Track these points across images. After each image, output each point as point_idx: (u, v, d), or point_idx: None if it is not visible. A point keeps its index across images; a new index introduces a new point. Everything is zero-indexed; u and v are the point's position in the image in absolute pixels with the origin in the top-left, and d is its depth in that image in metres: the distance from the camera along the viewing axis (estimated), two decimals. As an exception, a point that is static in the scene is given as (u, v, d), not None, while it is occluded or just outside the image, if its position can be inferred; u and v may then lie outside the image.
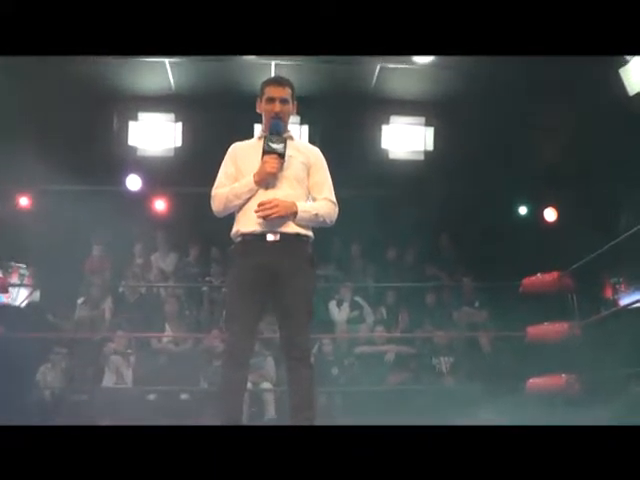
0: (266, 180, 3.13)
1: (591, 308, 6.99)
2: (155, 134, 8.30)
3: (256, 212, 3.07)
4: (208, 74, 7.62)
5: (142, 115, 8.27)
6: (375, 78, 7.68)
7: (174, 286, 7.93)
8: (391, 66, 7.45)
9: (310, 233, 3.19)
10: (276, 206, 3.05)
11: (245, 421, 5.01)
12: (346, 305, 7.81)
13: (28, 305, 7.82)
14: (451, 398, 6.22)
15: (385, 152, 8.48)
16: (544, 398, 5.45)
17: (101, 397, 6.42)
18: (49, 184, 7.52)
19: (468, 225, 8.28)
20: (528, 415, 5.02)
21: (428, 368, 7.11)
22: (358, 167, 7.36)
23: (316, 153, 3.33)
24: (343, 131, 8.00)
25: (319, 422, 3.04)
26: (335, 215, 3.26)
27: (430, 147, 8.44)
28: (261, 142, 3.19)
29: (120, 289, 7.96)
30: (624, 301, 7.79)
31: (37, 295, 8.05)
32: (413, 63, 7.29)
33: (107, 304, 7.64)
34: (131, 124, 8.25)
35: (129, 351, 6.95)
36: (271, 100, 3.22)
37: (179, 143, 8.30)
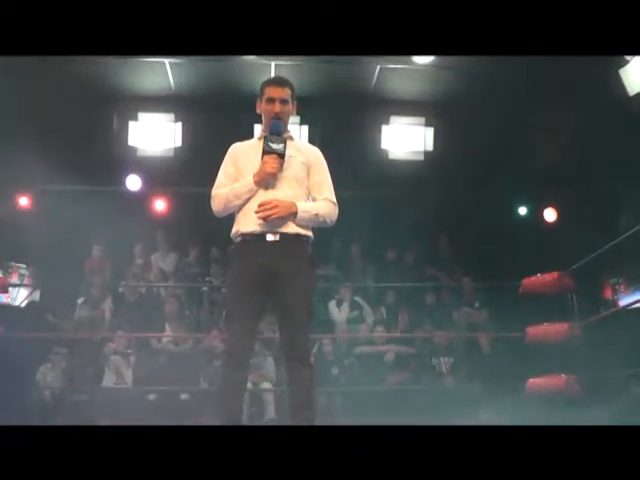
0: (266, 180, 3.13)
1: (591, 308, 7.00)
2: (155, 134, 8.30)
3: (256, 213, 3.07)
4: (208, 74, 7.62)
5: (142, 115, 8.27)
6: (375, 78, 7.68)
7: (174, 286, 7.93)
8: (391, 66, 7.45)
9: (310, 233, 3.19)
10: (276, 207, 3.05)
11: (245, 421, 5.01)
12: (346, 305, 7.81)
13: (28, 305, 7.81)
14: (451, 398, 6.22)
15: (385, 152, 8.48)
16: (544, 398, 5.45)
17: (101, 397, 6.43)
18: (49, 184, 7.53)
19: (468, 225, 8.29)
20: (528, 415, 5.02)
21: (428, 368, 7.12)
22: (358, 167, 7.37)
23: (316, 153, 3.33)
24: (343, 131, 8.00)
25: (319, 422, 3.04)
26: (335, 215, 3.25)
27: (430, 147, 8.44)
28: (261, 142, 3.19)
29: (120, 289, 7.96)
30: (624, 301, 7.79)
31: (37, 295, 8.04)
32: (413, 63, 7.29)
33: (107, 304, 7.64)
34: (131, 124, 8.25)
35: (129, 351, 6.95)
36: (271, 100, 3.22)
37: (179, 143, 8.29)
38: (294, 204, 3.10)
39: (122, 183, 8.19)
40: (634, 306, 5.73)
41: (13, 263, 8.23)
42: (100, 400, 6.31)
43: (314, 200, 3.24)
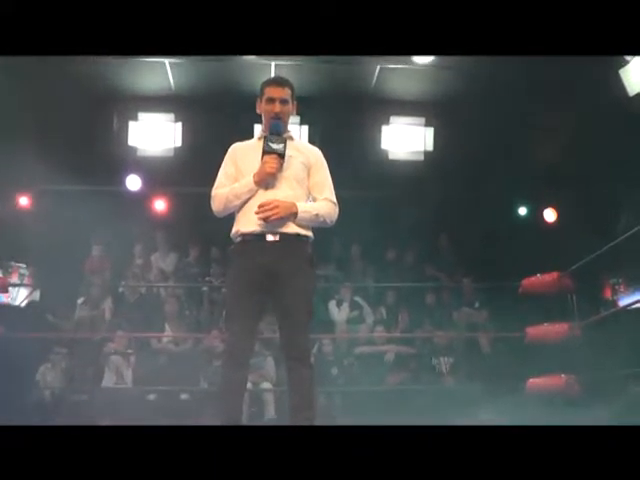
0: (266, 180, 3.13)
1: (591, 309, 7.01)
2: (155, 134, 8.30)
3: (256, 214, 3.07)
4: (208, 74, 7.62)
5: (142, 115, 8.27)
6: (375, 78, 7.68)
7: (174, 286, 7.93)
8: (391, 66, 7.45)
9: (310, 233, 3.19)
10: (276, 207, 3.05)
11: (245, 421, 5.01)
12: (346, 305, 7.82)
13: (28, 305, 7.81)
14: (451, 398, 6.23)
15: (385, 152, 8.48)
16: (544, 398, 5.45)
17: (101, 397, 6.43)
18: (49, 184, 7.52)
19: (468, 225, 8.29)
20: (528, 415, 5.02)
21: (428, 368, 7.12)
22: (358, 167, 7.37)
23: (316, 153, 3.33)
24: (343, 131, 7.99)
25: (319, 422, 3.04)
26: (335, 215, 3.25)
27: (430, 147, 8.44)
28: (261, 142, 3.19)
29: (120, 289, 7.97)
30: (623, 302, 7.79)
31: (37, 295, 8.04)
32: (413, 63, 7.29)
33: (107, 304, 7.65)
34: (131, 124, 8.25)
35: (129, 351, 6.95)
36: (271, 100, 3.22)
37: (179, 143, 8.29)
38: (294, 204, 3.10)
39: (122, 183, 8.20)
40: (634, 306, 5.74)
41: (13, 263, 8.23)
42: (100, 400, 6.31)
43: (314, 200, 3.24)
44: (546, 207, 8.60)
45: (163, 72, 7.55)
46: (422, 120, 8.44)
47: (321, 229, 3.25)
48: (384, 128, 8.43)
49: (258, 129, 3.52)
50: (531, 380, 5.48)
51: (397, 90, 8.03)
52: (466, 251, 8.41)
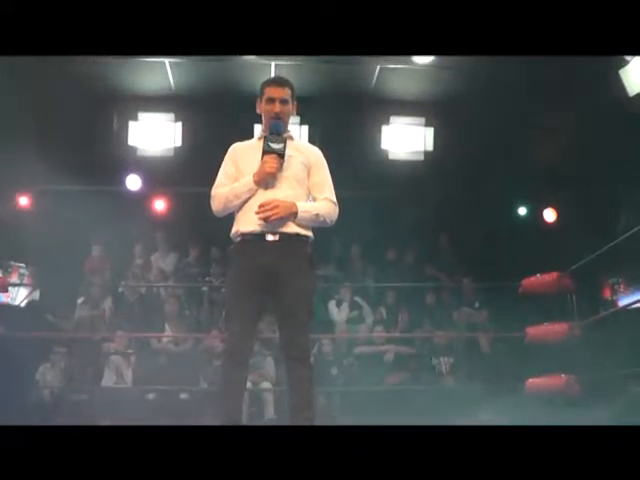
0: (265, 180, 3.13)
1: (590, 309, 7.01)
2: (155, 134, 8.30)
3: (257, 214, 3.07)
4: (208, 74, 7.62)
5: (142, 115, 8.27)
6: (375, 78, 7.68)
7: (174, 286, 7.93)
8: (391, 66, 7.45)
9: (310, 233, 3.19)
10: (276, 207, 3.05)
11: (245, 421, 5.01)
12: (346, 305, 7.82)
13: (28, 305, 7.82)
14: (451, 398, 6.23)
15: (385, 152, 8.48)
16: (544, 398, 5.45)
17: (101, 397, 6.43)
18: (49, 184, 7.53)
19: (468, 225, 8.28)
20: (528, 415, 5.02)
21: (428, 368, 7.12)
22: (358, 167, 7.37)
23: (316, 153, 3.33)
24: (343, 131, 7.99)
25: (319, 422, 3.04)
26: (335, 215, 3.25)
27: (430, 147, 8.44)
28: (261, 142, 3.19)
29: (120, 289, 7.97)
30: (623, 302, 7.79)
31: (37, 295, 8.04)
32: (413, 63, 7.29)
33: (107, 304, 7.65)
34: (131, 124, 8.25)
35: (129, 351, 6.95)
36: (271, 100, 3.22)
37: (179, 143, 8.29)
38: (294, 204, 3.10)
39: (122, 183, 8.20)
40: (633, 306, 5.74)
41: (13, 263, 8.23)
42: (100, 400, 6.32)
43: (314, 200, 3.23)
44: (546, 207, 8.59)
45: (163, 72, 7.55)
46: (422, 120, 8.44)
47: (321, 229, 3.25)
48: (384, 128, 8.43)
49: (258, 129, 3.52)
50: (531, 380, 5.48)
51: (397, 90, 8.03)
52: (466, 251, 8.41)
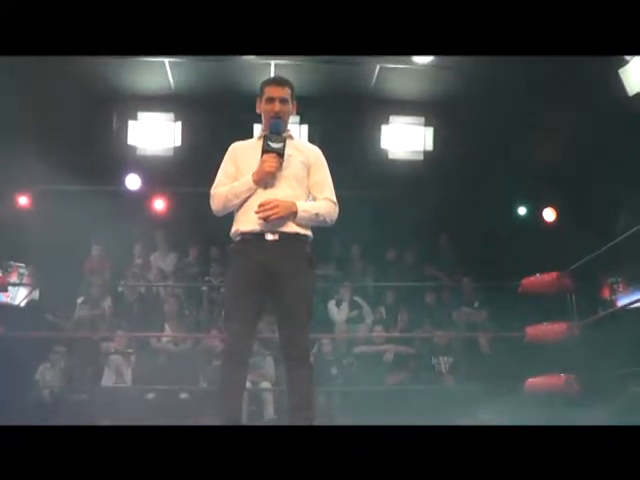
0: (265, 179, 3.13)
1: (590, 308, 7.01)
2: (154, 133, 8.30)
3: (256, 213, 3.06)
4: (208, 74, 7.62)
5: (141, 115, 8.27)
6: (375, 78, 7.69)
7: (173, 286, 7.93)
8: (391, 66, 7.45)
9: (309, 233, 3.18)
10: (276, 207, 3.04)
11: (244, 420, 5.01)
12: (345, 305, 7.81)
13: (27, 304, 7.82)
14: (451, 398, 6.23)
15: (384, 152, 8.48)
16: (544, 398, 5.46)
17: (100, 396, 6.43)
18: (49, 184, 7.52)
19: (467, 225, 8.29)
20: (528, 415, 5.02)
21: (427, 368, 7.12)
22: (358, 167, 7.37)
23: (316, 152, 3.32)
24: (343, 131, 8.00)
25: (318, 422, 3.04)
26: (335, 215, 3.25)
27: (430, 147, 8.45)
28: (261, 141, 3.18)
29: (120, 289, 7.97)
30: (622, 301, 7.80)
31: (36, 294, 8.05)
32: (413, 63, 7.30)
33: (107, 304, 7.65)
34: (130, 123, 8.25)
35: (129, 351, 6.95)
36: (271, 100, 3.22)
37: (178, 142, 8.30)
38: (294, 204, 3.10)
39: (122, 182, 8.19)
40: (632, 306, 5.74)
41: (12, 262, 8.23)
42: (100, 399, 6.32)
43: (314, 199, 3.23)
44: (545, 207, 8.60)
45: (163, 71, 7.55)
46: (422, 120, 8.45)
47: (321, 228, 3.24)
48: (384, 128, 8.44)
49: (258, 129, 3.51)
50: (530, 380, 5.48)
51: (397, 90, 8.03)
52: (466, 251, 8.41)
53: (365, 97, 7.97)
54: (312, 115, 7.75)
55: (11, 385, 5.96)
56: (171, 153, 8.32)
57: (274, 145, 3.12)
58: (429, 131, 8.44)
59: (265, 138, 3.16)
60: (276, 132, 3.18)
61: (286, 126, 3.28)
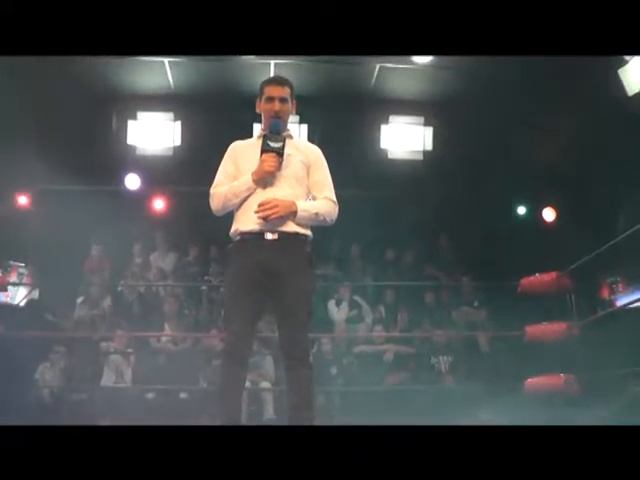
0: (264, 178, 3.12)
1: (589, 308, 7.01)
2: (154, 133, 8.30)
3: (256, 213, 3.06)
4: (207, 74, 7.62)
5: (141, 114, 8.27)
6: (374, 78, 7.69)
7: (173, 285, 7.93)
8: (390, 66, 7.45)
9: (309, 232, 3.18)
10: (276, 206, 3.04)
11: (244, 420, 5.01)
12: (345, 304, 7.81)
13: (27, 304, 7.82)
14: (450, 398, 6.23)
15: (384, 152, 8.48)
16: (543, 398, 5.46)
17: (100, 396, 6.43)
18: (48, 184, 7.52)
19: (467, 225, 8.28)
20: (528, 415, 5.02)
21: (427, 367, 7.11)
22: (358, 167, 7.38)
23: (315, 152, 3.32)
24: (342, 131, 8.00)
25: (318, 422, 3.04)
26: (335, 214, 3.25)
27: (429, 147, 8.45)
28: (260, 141, 3.19)
29: (119, 288, 7.97)
30: (622, 301, 7.79)
31: (36, 294, 8.05)
32: (412, 63, 7.30)
33: (106, 303, 7.65)
34: (130, 123, 8.25)
35: (129, 350, 6.95)
36: (270, 99, 3.22)
37: (178, 142, 8.30)
38: (294, 203, 3.10)
39: (121, 182, 8.19)
40: (632, 306, 5.75)
41: (12, 262, 8.23)
42: (99, 399, 6.32)
43: (314, 199, 3.23)
44: (545, 207, 8.59)
45: (162, 71, 7.55)
46: (421, 120, 8.45)
47: (320, 228, 3.24)
48: (383, 127, 8.44)
49: (258, 128, 3.52)
50: (530, 379, 5.48)
51: (396, 90, 8.03)
52: (465, 250, 8.41)
53: (365, 97, 7.97)
54: (312, 115, 7.75)
55: (11, 385, 5.96)
56: (171, 153, 8.32)
57: (273, 144, 3.12)
58: (429, 131, 8.44)
59: (265, 137, 3.16)
60: (276, 131, 3.18)
61: (286, 125, 3.28)
